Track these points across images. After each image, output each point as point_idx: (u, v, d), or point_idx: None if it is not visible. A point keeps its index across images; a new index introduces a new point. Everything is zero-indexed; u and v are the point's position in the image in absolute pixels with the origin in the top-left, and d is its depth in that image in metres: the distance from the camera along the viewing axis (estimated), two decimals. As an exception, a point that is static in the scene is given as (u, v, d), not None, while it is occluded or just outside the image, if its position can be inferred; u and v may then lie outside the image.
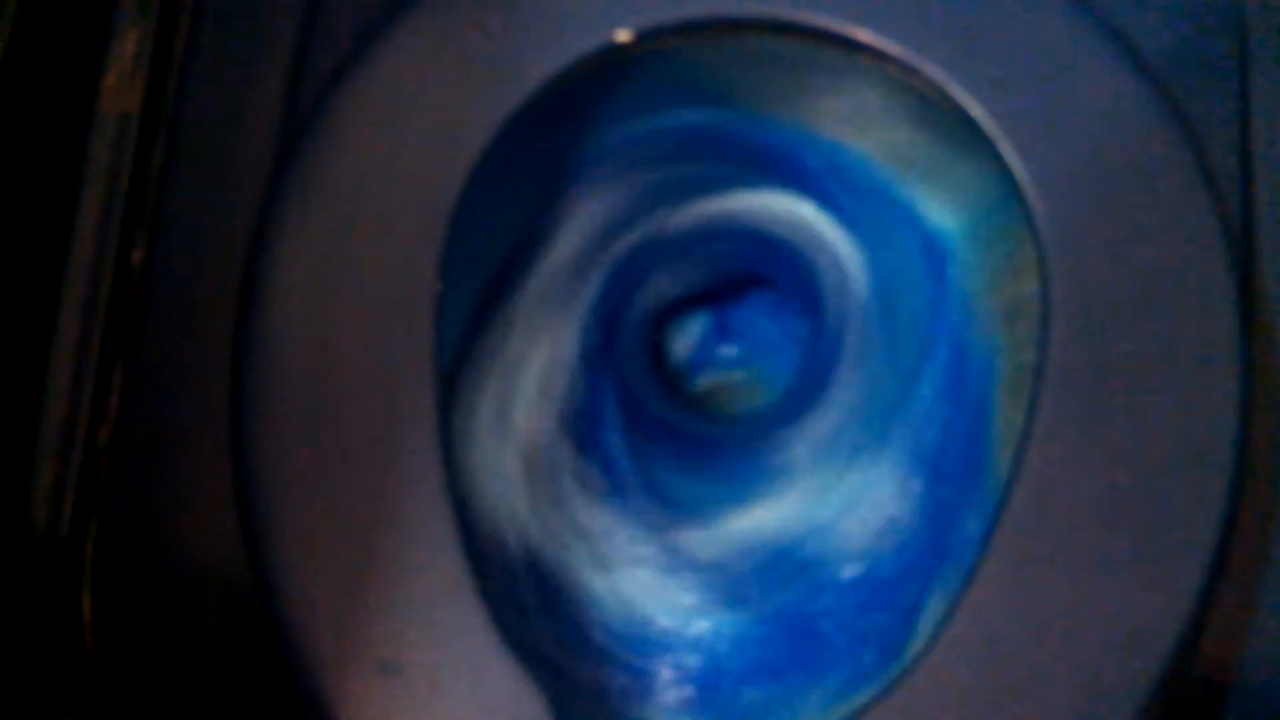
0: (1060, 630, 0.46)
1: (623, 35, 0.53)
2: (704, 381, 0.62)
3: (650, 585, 0.54)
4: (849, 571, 0.54)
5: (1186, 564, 0.47)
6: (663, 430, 0.58)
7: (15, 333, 0.50)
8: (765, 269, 0.61)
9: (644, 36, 0.53)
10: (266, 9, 0.54)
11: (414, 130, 0.52)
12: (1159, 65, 0.53)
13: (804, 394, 0.58)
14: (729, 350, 0.62)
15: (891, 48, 0.52)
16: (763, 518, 0.55)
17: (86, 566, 0.50)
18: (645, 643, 0.53)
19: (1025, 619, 0.47)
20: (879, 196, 0.59)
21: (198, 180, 0.53)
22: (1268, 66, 0.54)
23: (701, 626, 0.54)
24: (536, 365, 0.58)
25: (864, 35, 0.52)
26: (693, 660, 0.53)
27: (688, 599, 0.54)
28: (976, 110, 0.52)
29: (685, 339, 0.62)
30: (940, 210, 0.58)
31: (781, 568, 0.55)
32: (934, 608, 0.52)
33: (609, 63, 0.54)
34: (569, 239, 0.58)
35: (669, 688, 0.52)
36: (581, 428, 0.57)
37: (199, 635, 0.49)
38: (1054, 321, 0.50)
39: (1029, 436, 0.48)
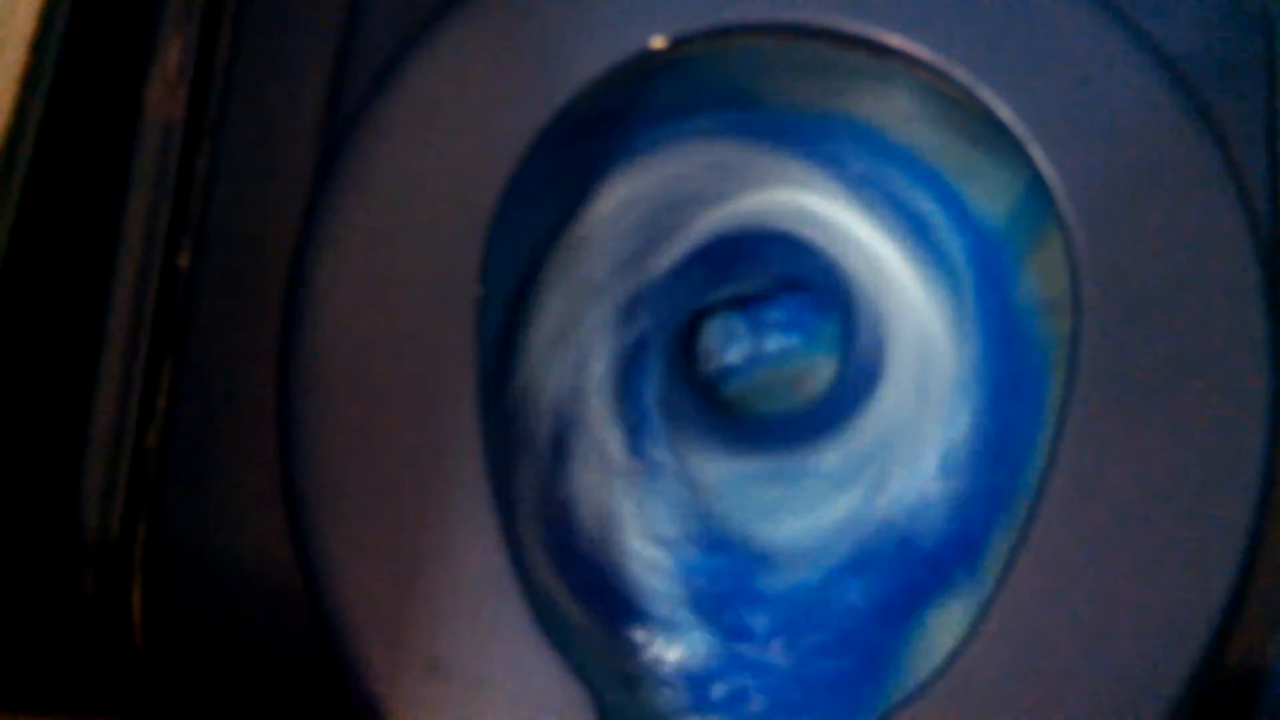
0: (1095, 622, 0.47)
1: (657, 42, 0.54)
2: (735, 384, 0.62)
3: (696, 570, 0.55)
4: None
5: (1221, 554, 0.48)
6: (699, 428, 0.59)
7: (64, 337, 0.51)
8: (801, 271, 0.62)
9: (678, 42, 0.54)
10: (307, 16, 0.55)
11: (453, 137, 0.53)
12: (1186, 67, 0.54)
13: (841, 401, 0.59)
14: (762, 352, 0.62)
15: (921, 52, 0.53)
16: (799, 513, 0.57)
17: (136, 567, 0.51)
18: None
19: (1060, 612, 0.47)
20: (926, 188, 0.59)
21: (242, 185, 0.54)
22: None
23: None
24: (570, 362, 0.58)
25: (894, 40, 0.53)
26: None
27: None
28: (1005, 113, 0.53)
29: (719, 341, 0.62)
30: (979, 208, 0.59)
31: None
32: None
33: (645, 68, 0.54)
34: (605, 240, 0.59)
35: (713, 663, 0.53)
36: (619, 427, 0.58)
37: (248, 635, 0.50)
38: (1085, 321, 0.50)
39: (1062, 432, 0.49)
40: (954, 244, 0.59)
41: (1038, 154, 0.52)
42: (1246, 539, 0.48)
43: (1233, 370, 0.50)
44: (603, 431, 0.58)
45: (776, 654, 0.54)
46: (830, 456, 0.58)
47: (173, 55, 0.53)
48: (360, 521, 0.49)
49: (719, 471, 0.58)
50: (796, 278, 0.62)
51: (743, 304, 0.63)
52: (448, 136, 0.53)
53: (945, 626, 0.53)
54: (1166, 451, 0.49)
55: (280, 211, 0.53)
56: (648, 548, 0.56)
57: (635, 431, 0.58)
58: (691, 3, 0.54)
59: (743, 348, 0.62)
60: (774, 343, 0.62)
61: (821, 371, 0.62)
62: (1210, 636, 0.47)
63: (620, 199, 0.60)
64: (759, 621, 0.55)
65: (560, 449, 0.57)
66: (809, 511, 0.57)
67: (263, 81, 0.55)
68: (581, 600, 0.55)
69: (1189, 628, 0.47)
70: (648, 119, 0.59)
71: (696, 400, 0.61)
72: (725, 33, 0.54)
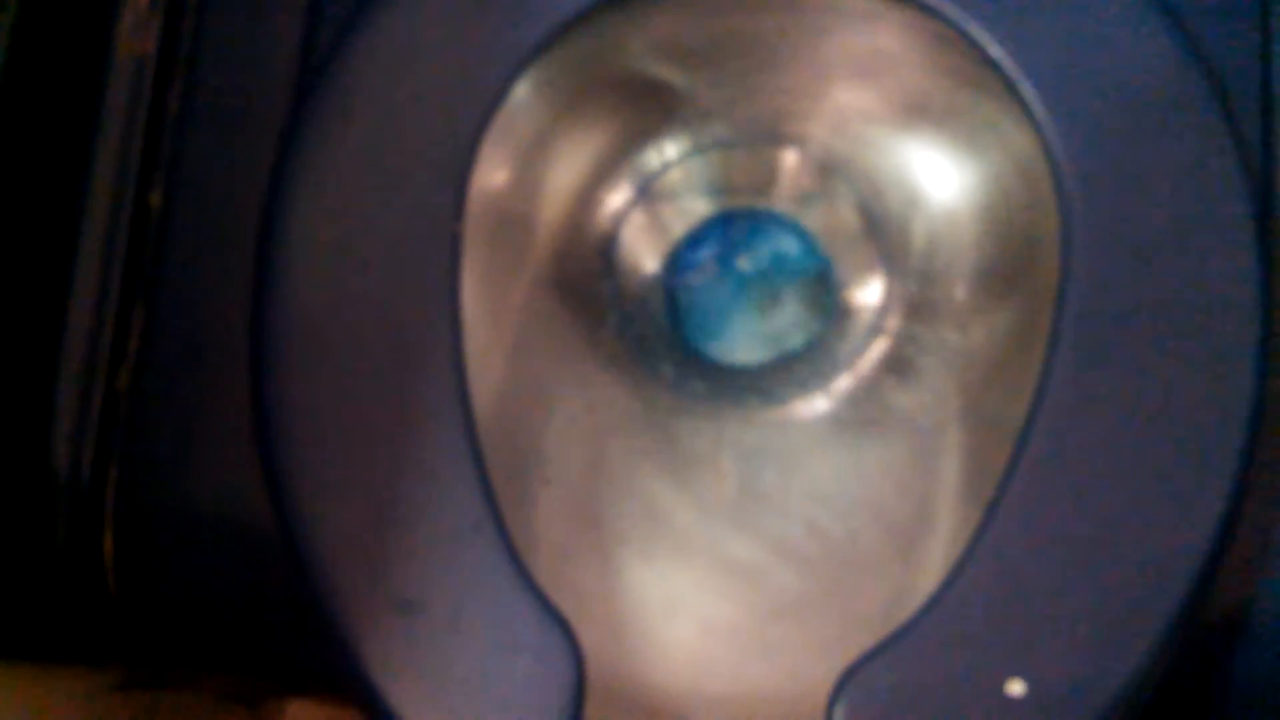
0: (1079, 568, 0.46)
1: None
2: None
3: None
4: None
5: (1205, 503, 0.47)
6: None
7: (34, 276, 0.50)
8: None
9: None
10: (283, -51, 0.54)
11: (432, 70, 0.52)
12: (1180, 3, 0.53)
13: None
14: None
15: None
16: None
17: (108, 509, 0.50)
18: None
19: (1044, 557, 0.47)
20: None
21: (215, 121, 0.53)
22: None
23: None
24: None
25: (884, -25, 0.52)
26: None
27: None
28: (996, 51, 0.52)
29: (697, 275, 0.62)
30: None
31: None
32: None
33: (628, 3, 0.53)
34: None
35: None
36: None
37: (221, 576, 0.49)
38: (1074, 263, 0.49)
39: (1049, 375, 0.48)
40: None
41: (1027, 92, 0.51)
42: (1235, 477, 0.47)
43: (1223, 309, 0.49)
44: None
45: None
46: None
47: (145, -12, 0.52)
48: (335, 462, 0.48)
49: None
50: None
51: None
52: (425, 72, 0.52)
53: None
54: (1156, 393, 0.48)
55: (255, 147, 0.52)
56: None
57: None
58: None
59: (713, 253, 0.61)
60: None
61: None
62: (1197, 576, 0.47)
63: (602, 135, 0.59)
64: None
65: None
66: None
67: (237, 14, 0.53)
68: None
69: (1174, 575, 0.47)
70: (634, 57, 0.58)
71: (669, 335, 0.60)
72: None
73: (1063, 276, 0.49)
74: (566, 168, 0.59)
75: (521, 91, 0.53)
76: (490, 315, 0.56)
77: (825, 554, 0.55)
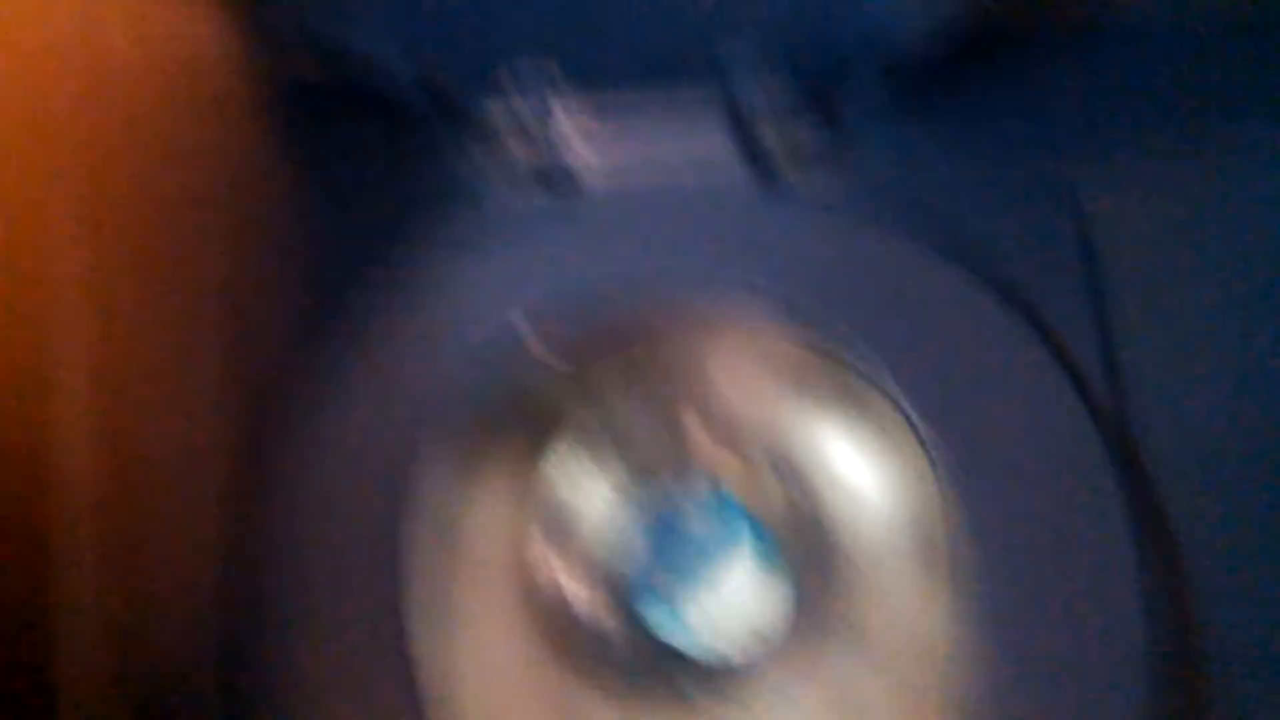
0: None
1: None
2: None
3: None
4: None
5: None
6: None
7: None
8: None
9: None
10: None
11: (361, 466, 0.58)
12: (1009, 267, 0.58)
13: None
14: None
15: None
16: None
17: None
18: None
19: None
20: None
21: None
22: (1110, 253, 0.59)
23: None
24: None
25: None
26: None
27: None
28: (852, 357, 0.57)
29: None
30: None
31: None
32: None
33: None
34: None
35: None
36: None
37: None
38: (964, 546, 0.54)
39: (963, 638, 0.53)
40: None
41: (891, 390, 0.56)
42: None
43: (1101, 565, 0.54)
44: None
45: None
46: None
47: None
48: None
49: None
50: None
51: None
52: (355, 466, 0.58)
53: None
54: (1053, 649, 0.53)
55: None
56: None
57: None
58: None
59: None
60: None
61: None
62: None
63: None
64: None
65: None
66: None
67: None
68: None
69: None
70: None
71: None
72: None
73: (950, 555, 0.54)
74: (488, 517, 0.63)
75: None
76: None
77: None
